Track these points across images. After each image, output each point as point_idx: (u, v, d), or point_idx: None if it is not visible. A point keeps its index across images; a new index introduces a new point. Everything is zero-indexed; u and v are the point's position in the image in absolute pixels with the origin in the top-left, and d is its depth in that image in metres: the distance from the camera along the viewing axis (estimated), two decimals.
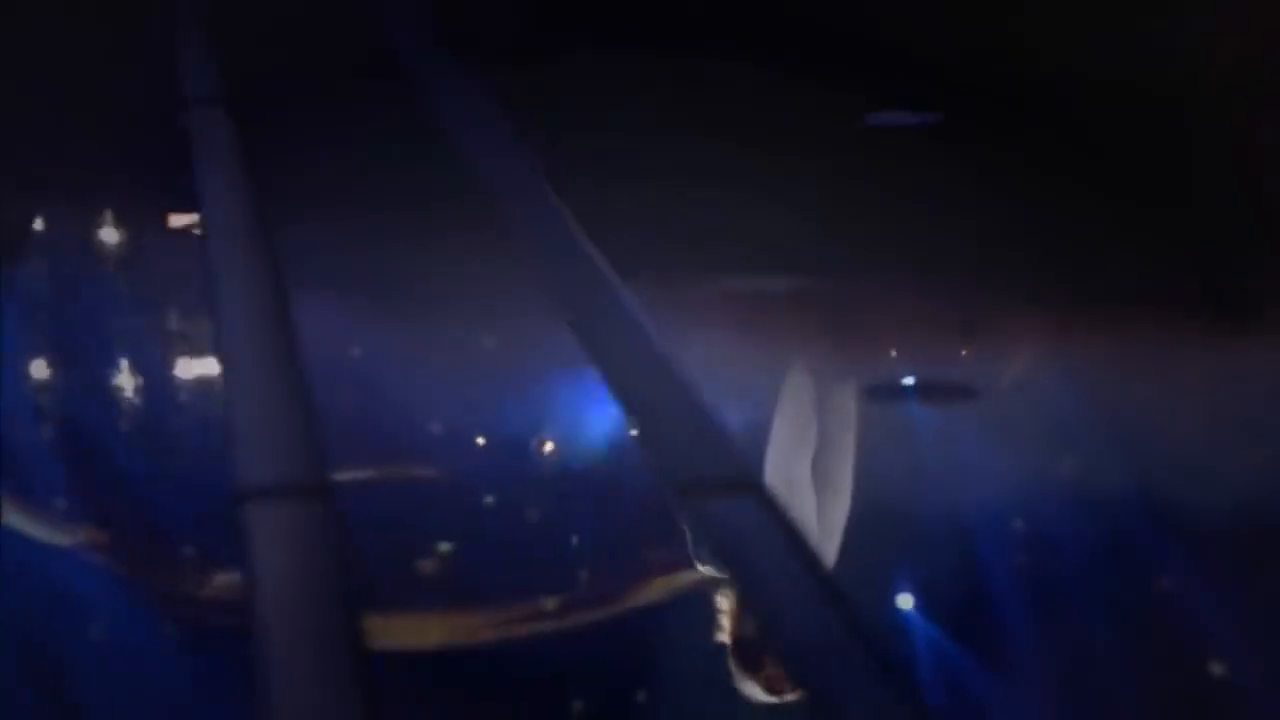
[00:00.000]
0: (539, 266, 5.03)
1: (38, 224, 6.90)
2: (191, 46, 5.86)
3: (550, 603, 6.87)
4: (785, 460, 6.73)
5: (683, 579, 6.57)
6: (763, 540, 4.14)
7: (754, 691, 5.64)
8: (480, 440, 7.10)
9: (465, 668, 6.67)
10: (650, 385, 4.53)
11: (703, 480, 4.26)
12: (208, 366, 7.02)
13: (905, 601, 6.53)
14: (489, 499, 7.01)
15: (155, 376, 7.20)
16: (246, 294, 4.64)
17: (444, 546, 6.93)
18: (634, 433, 4.58)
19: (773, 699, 5.62)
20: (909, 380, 6.53)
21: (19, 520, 7.12)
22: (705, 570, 5.81)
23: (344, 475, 6.78)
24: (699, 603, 5.75)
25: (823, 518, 6.62)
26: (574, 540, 6.98)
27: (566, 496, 6.91)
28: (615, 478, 6.76)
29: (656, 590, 6.88)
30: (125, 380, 7.25)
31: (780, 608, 4.01)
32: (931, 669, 6.42)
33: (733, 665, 5.67)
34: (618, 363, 4.60)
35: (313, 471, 4.11)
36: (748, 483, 4.33)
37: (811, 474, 6.67)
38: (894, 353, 6.62)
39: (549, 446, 7.05)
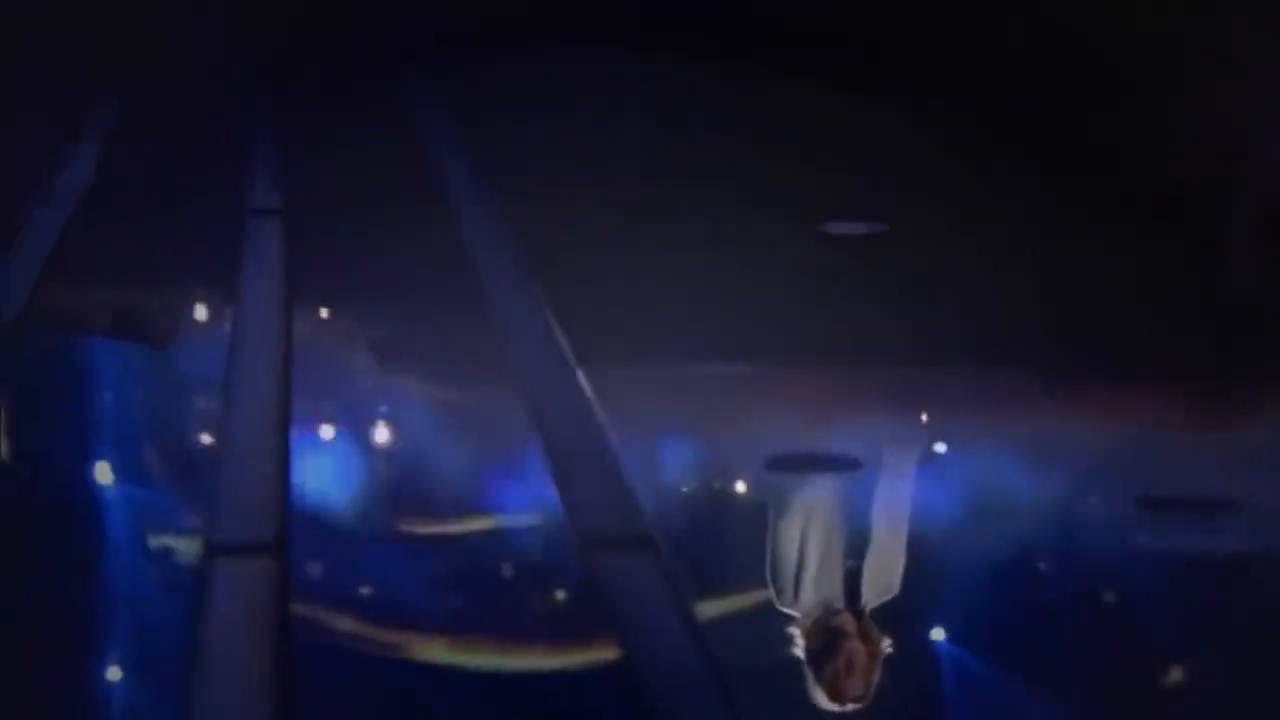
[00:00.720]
0: (506, 347, 5.84)
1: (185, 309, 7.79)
2: (256, 160, 6.73)
3: None
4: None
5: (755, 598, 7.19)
6: (648, 590, 4.90)
7: (821, 700, 6.41)
8: None
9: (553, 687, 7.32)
10: (579, 453, 5.31)
11: (606, 535, 5.04)
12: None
13: (937, 634, 7.04)
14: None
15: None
16: (255, 380, 5.55)
17: (557, 592, 7.63)
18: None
19: (838, 707, 6.42)
20: (940, 447, 7.04)
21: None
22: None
23: (448, 527, 7.60)
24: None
25: (889, 550, 7.28)
26: None
27: None
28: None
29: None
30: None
31: (656, 648, 4.77)
32: (961, 693, 6.89)
33: (806, 674, 6.42)
34: (555, 431, 5.40)
35: (271, 533, 4.99)
36: (645, 540, 5.08)
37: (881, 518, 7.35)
38: (924, 417, 7.13)
39: None
